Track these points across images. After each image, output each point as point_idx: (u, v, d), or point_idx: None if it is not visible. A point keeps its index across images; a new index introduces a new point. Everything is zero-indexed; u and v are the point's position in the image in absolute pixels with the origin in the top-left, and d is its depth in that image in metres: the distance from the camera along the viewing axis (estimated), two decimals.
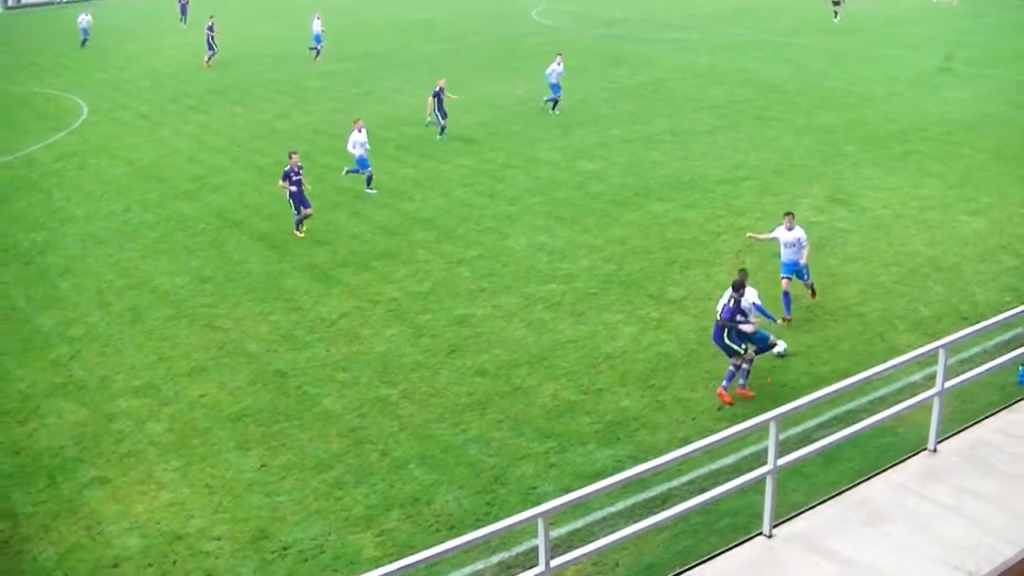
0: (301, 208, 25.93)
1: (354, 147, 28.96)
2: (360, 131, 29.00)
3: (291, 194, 25.90)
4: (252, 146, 34.88)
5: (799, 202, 27.18)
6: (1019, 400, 11.73)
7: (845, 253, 23.69)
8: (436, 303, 21.58)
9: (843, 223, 25.66)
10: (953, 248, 23.97)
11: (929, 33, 57.01)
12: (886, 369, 10.58)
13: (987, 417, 11.29)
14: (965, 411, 13.60)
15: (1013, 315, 12.07)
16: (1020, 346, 12.47)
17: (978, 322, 11.85)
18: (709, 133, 34.66)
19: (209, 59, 50.39)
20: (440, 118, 34.68)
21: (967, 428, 11.06)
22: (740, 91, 41.02)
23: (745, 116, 36.89)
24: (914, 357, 10.73)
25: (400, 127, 36.54)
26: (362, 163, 29.05)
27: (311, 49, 51.08)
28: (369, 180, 29.19)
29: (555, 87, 38.03)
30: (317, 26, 51.06)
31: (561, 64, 38.09)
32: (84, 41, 58.24)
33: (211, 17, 52.16)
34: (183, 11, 65.22)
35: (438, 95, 34.50)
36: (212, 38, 50.51)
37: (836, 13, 64.92)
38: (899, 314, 20.43)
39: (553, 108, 38.02)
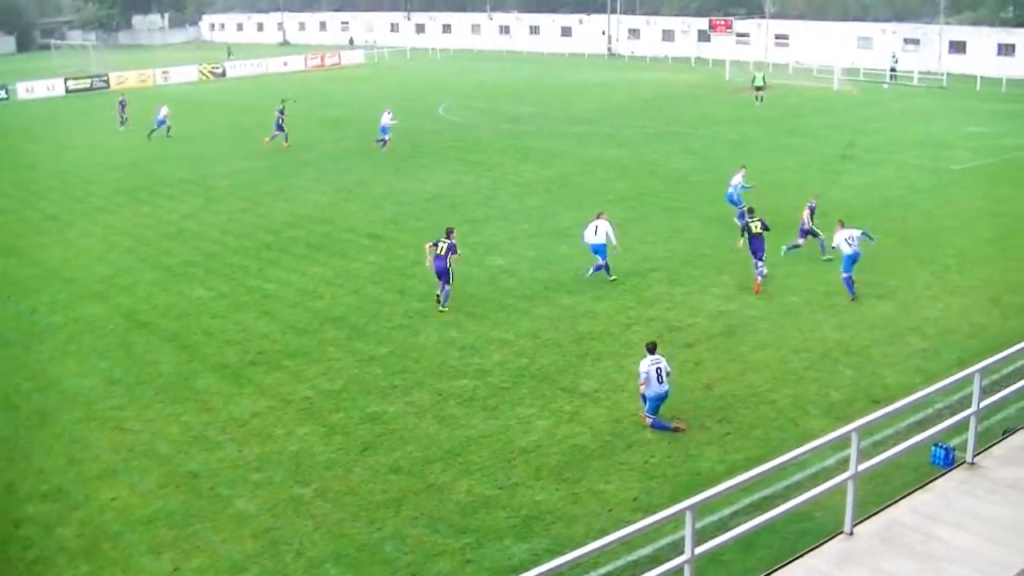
0: None
1: None
2: None
3: None
4: (161, 246, 34.46)
5: (708, 291, 27.55)
6: (932, 480, 11.86)
7: (756, 340, 23.99)
8: (348, 401, 21.34)
9: (753, 311, 26.02)
10: (862, 332, 24.40)
11: (831, 122, 58.79)
12: (800, 454, 10.65)
13: (902, 498, 11.38)
14: (880, 493, 13.71)
15: (923, 396, 12.25)
16: (931, 427, 12.64)
17: (889, 404, 11.99)
18: (617, 226, 34.65)
19: (273, 138, 53.47)
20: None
21: (882, 510, 11.13)
22: (647, 183, 41.70)
23: (653, 208, 37.45)
24: (827, 441, 10.83)
25: (309, 225, 36.42)
26: None
27: (377, 140, 51.81)
28: None
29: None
30: (387, 119, 52.23)
31: None
32: (153, 132, 58.20)
33: (283, 101, 56.30)
34: (121, 111, 63.06)
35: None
36: (282, 121, 53.63)
37: (760, 98, 66.78)
38: (811, 399, 20.67)
39: None
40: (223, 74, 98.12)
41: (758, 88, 69.64)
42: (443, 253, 26.53)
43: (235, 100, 74.35)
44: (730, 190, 35.47)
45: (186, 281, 30.26)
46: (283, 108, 54.79)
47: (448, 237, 27.04)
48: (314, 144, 54.24)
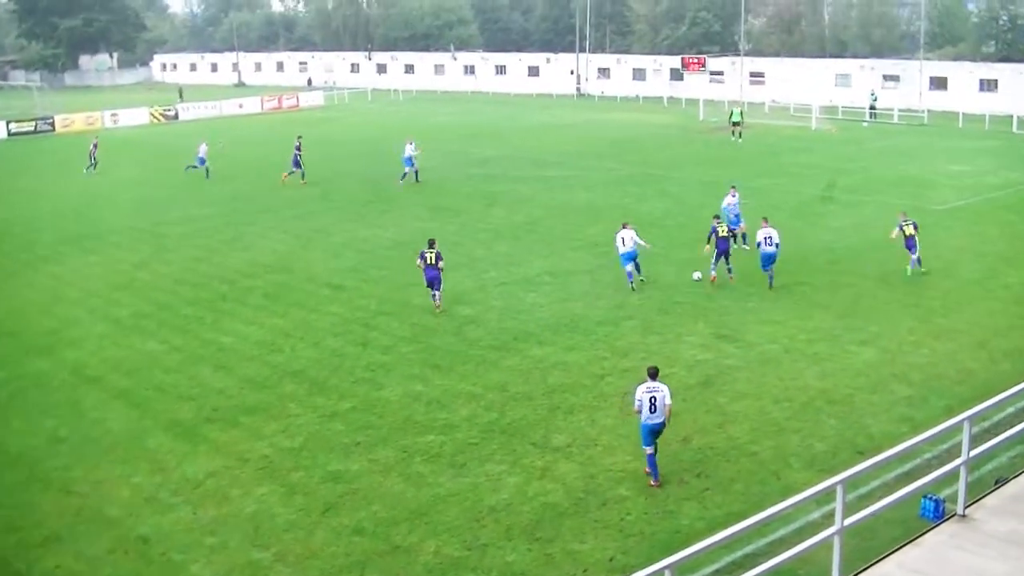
0: None
1: None
2: None
3: None
4: (110, 297, 34.28)
5: (684, 340, 27.66)
6: (922, 534, 11.90)
7: (734, 390, 24.07)
8: (309, 459, 21.21)
9: (730, 359, 26.12)
10: (845, 380, 24.54)
11: (808, 162, 59.40)
12: (783, 509, 10.68)
13: (890, 553, 11.41)
14: (867, 548, 13.73)
15: (910, 446, 12.31)
16: (920, 478, 12.69)
17: (875, 455, 12.05)
18: (590, 272, 35.20)
19: (290, 174, 55.55)
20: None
21: (870, 566, 11.16)
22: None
23: None
24: (811, 495, 10.87)
25: (267, 274, 36.35)
26: None
27: (402, 177, 53.99)
28: None
29: None
30: (410, 150, 54.18)
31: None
32: (190, 168, 59.88)
33: (298, 138, 57.51)
34: (93, 153, 63.15)
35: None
36: (299, 157, 55.59)
37: (739, 134, 67.51)
38: (793, 451, 20.73)
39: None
40: (175, 116, 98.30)
41: (735, 123, 70.41)
42: (434, 262, 30.71)
43: (188, 144, 74.06)
44: (726, 207, 38.30)
45: (137, 334, 30.09)
46: (299, 144, 56.48)
47: (431, 247, 30.98)
48: (272, 190, 54.24)
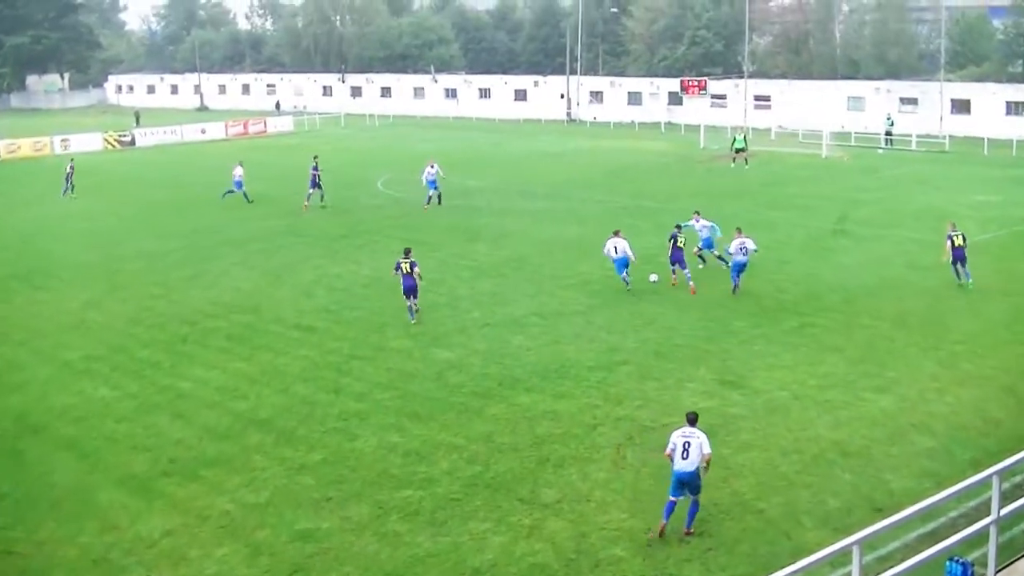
0: None
1: None
2: None
3: None
4: (58, 339, 34.13)
5: (685, 386, 27.63)
6: None
7: (739, 441, 24.01)
8: (275, 516, 21.09)
9: (735, 408, 26.09)
10: (860, 430, 24.49)
11: (819, 192, 59.63)
12: (794, 572, 10.61)
13: None
14: None
15: (933, 503, 12.24)
16: (945, 539, 12.62)
17: (895, 513, 11.99)
18: (581, 313, 35.20)
19: (309, 198, 57.71)
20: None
21: None
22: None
23: (620, 292, 37.61)
24: (824, 556, 10.81)
25: (231, 315, 36.26)
26: None
27: (427, 201, 55.88)
28: None
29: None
30: (431, 172, 56.33)
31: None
32: (227, 194, 60.59)
33: (315, 157, 59.45)
34: (69, 176, 65.12)
35: None
36: (318, 178, 57.82)
37: (745, 160, 67.93)
38: (804, 508, 20.65)
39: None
40: (131, 142, 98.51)
41: (739, 150, 70.87)
42: (410, 271, 34.18)
43: (145, 172, 74.35)
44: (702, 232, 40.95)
45: (87, 379, 29.95)
46: (316, 164, 58.46)
47: (407, 256, 34.47)
48: (236, 223, 54.23)
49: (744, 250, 36.83)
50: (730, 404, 26.38)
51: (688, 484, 19.60)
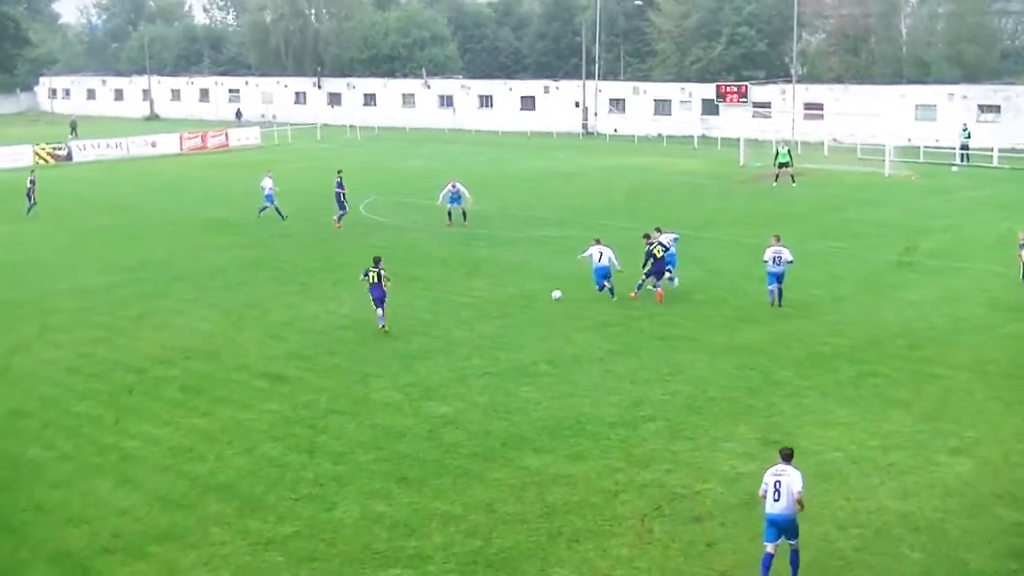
0: None
1: None
2: None
3: None
4: None
5: (721, 447, 27.69)
6: None
7: None
8: None
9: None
10: (932, 501, 24.51)
11: (881, 218, 59.66)
12: None
13: None
14: None
15: None
16: None
17: None
18: (599, 360, 35.28)
19: (340, 217, 60.50)
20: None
21: None
22: (638, 303, 41.99)
23: (645, 336, 37.76)
24: None
25: (185, 361, 36.37)
26: None
27: (449, 216, 59.76)
28: None
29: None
30: (455, 188, 59.78)
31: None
32: (263, 211, 63.07)
33: (339, 172, 61.73)
34: (28, 195, 67.09)
35: None
36: (343, 195, 60.43)
37: (791, 178, 68.21)
38: None
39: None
40: (68, 157, 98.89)
41: (782, 165, 71.13)
42: (376, 281, 38.20)
43: (84, 192, 74.66)
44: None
45: (13, 438, 29.97)
46: (340, 179, 60.96)
47: (376, 265, 38.38)
48: (191, 252, 54.42)
49: (778, 260, 39.93)
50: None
51: (783, 528, 20.28)
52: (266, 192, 62.92)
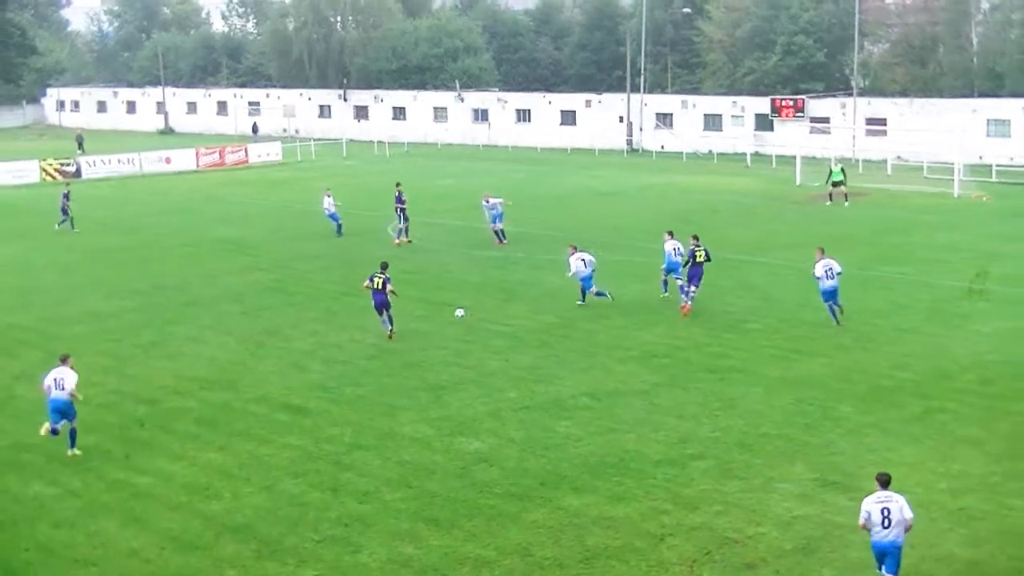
0: None
1: None
2: None
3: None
4: None
5: (775, 487, 27.61)
6: None
7: (846, 560, 23.96)
8: None
9: (841, 516, 25.99)
10: (1006, 549, 24.39)
11: (950, 242, 59.43)
12: None
13: None
14: None
15: None
16: None
17: None
18: (644, 393, 35.25)
19: (401, 233, 63.09)
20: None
21: None
22: (685, 332, 42.03)
23: (693, 367, 37.71)
24: None
25: (201, 392, 36.51)
26: None
27: (496, 234, 61.67)
28: None
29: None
30: (490, 201, 62.48)
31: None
32: (339, 228, 65.95)
33: (398, 185, 64.74)
34: (64, 211, 69.39)
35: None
36: (402, 210, 62.77)
37: (845, 197, 68.21)
38: None
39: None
40: (76, 173, 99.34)
41: (836, 184, 71.27)
42: (380, 287, 40.88)
43: (93, 211, 74.93)
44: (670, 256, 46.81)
45: (15, 472, 30.17)
46: (400, 193, 63.37)
47: (383, 271, 41.37)
48: (207, 275, 54.63)
49: (831, 273, 41.58)
50: (835, 511, 26.31)
51: (892, 556, 21.10)
52: (328, 211, 65.18)
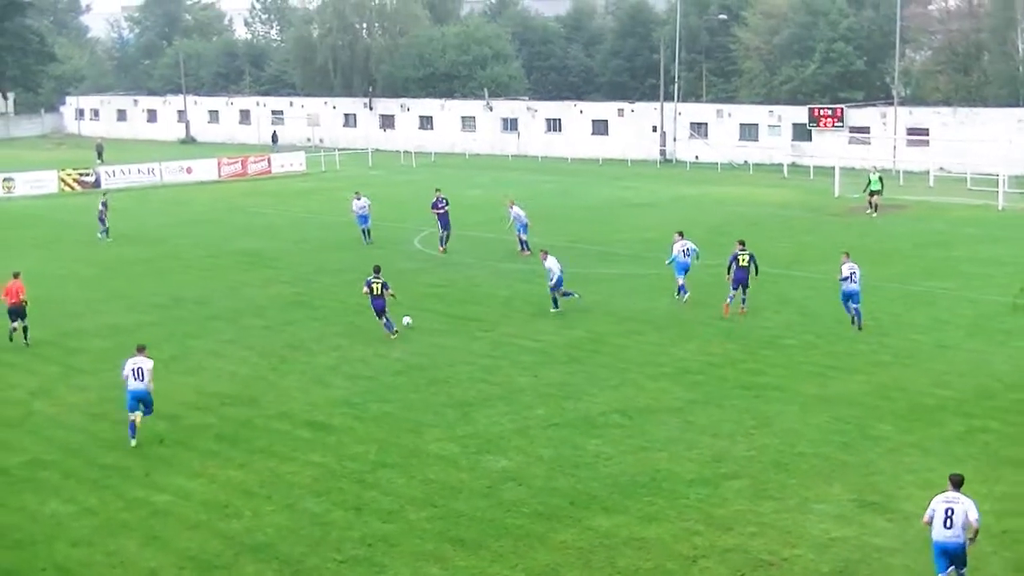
0: None
1: None
2: None
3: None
4: None
5: (812, 508, 27.58)
6: None
7: None
8: None
9: (880, 538, 25.99)
10: None
11: (994, 256, 59.19)
12: None
13: None
14: None
15: None
16: None
17: None
18: (677, 411, 35.25)
19: (445, 240, 64.57)
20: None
21: None
22: (719, 348, 42.02)
23: (728, 384, 37.70)
24: None
25: (221, 408, 36.62)
26: None
27: (521, 244, 62.43)
28: None
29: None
30: (517, 212, 63.23)
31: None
32: (366, 232, 68.44)
33: (437, 191, 66.38)
34: (101, 220, 71.16)
35: None
36: (445, 215, 64.60)
37: (875, 207, 68.49)
38: None
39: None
40: (96, 183, 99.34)
41: (874, 193, 71.65)
42: (379, 293, 43.32)
43: (113, 221, 75.14)
44: (679, 257, 50.11)
45: (32, 490, 30.28)
46: (439, 198, 65.02)
47: (377, 275, 43.67)
48: (229, 289, 54.78)
49: (855, 276, 44.02)
50: (873, 533, 26.29)
51: (953, 557, 21.55)
52: (359, 214, 66.65)
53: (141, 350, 34.61)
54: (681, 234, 50.63)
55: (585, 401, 36.48)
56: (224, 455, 32.51)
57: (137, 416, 33.18)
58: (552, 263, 47.64)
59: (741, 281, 46.56)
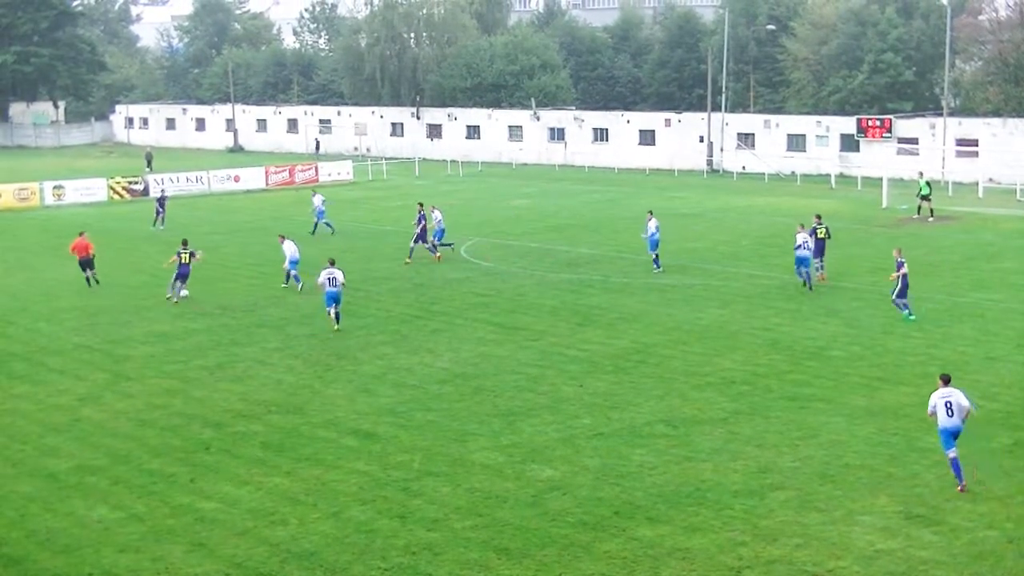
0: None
1: None
2: None
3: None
4: (43, 443, 34.72)
5: (858, 520, 27.48)
6: None
7: None
8: None
9: (926, 551, 25.86)
10: None
11: None
12: None
13: None
14: None
15: None
16: None
17: None
18: (722, 422, 35.19)
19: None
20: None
21: None
22: (765, 359, 41.92)
23: (774, 395, 37.62)
24: None
25: (267, 416, 36.75)
26: None
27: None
28: None
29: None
30: (437, 216, 65.82)
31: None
32: (316, 226, 75.09)
33: (419, 205, 66.70)
34: (159, 210, 78.30)
35: None
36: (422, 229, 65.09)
37: (931, 212, 68.51)
38: None
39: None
40: (144, 191, 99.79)
41: (924, 197, 72.04)
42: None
43: (160, 231, 75.57)
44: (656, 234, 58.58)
45: (80, 496, 30.41)
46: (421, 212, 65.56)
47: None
48: (275, 297, 54.96)
49: (807, 245, 52.96)
50: (919, 546, 26.16)
51: (957, 435, 28.75)
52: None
53: (332, 263, 47.78)
54: (651, 213, 61.26)
55: (630, 411, 36.46)
56: (270, 463, 32.62)
57: (332, 309, 47.16)
58: (289, 247, 55.80)
59: (820, 251, 54.52)
